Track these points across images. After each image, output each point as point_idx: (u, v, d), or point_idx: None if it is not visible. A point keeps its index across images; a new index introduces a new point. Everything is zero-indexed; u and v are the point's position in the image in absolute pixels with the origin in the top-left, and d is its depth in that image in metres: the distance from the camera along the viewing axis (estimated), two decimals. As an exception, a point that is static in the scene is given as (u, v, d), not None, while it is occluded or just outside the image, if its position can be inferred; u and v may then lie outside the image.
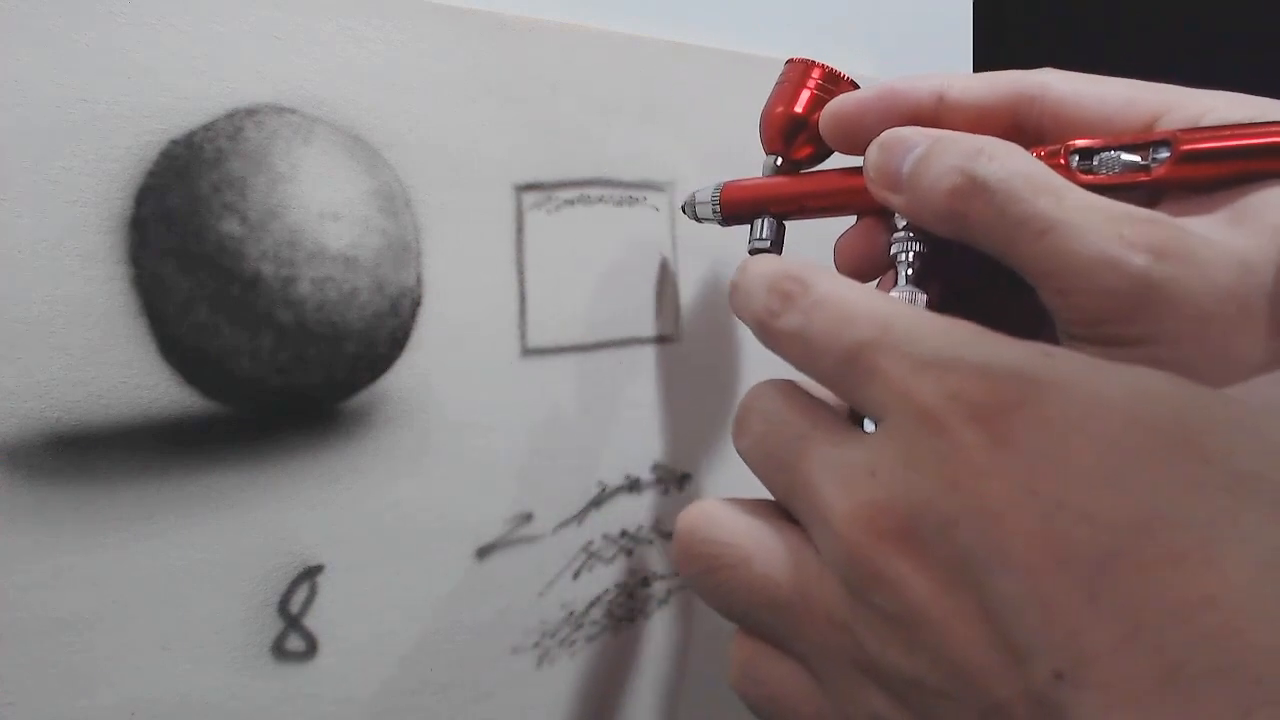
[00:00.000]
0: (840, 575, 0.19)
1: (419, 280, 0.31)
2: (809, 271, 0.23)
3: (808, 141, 0.30)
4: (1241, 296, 0.22)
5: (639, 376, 0.37)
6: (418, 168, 0.31)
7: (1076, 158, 0.25)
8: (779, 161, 0.31)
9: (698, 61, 0.35)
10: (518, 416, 0.34)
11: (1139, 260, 0.21)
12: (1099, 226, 0.22)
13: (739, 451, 0.24)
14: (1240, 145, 0.23)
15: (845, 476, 0.20)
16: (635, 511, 0.38)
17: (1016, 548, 0.16)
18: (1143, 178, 0.24)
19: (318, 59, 0.29)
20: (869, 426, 0.21)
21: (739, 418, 0.24)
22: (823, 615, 0.20)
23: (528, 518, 0.34)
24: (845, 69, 0.30)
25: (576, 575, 0.36)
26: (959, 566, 0.17)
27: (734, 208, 0.32)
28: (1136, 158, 0.24)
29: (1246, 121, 0.23)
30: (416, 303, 0.31)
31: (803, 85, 0.30)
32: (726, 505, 0.23)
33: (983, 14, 0.53)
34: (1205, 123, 0.24)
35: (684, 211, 0.34)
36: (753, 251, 0.30)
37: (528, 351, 0.34)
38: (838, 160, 0.30)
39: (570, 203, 0.35)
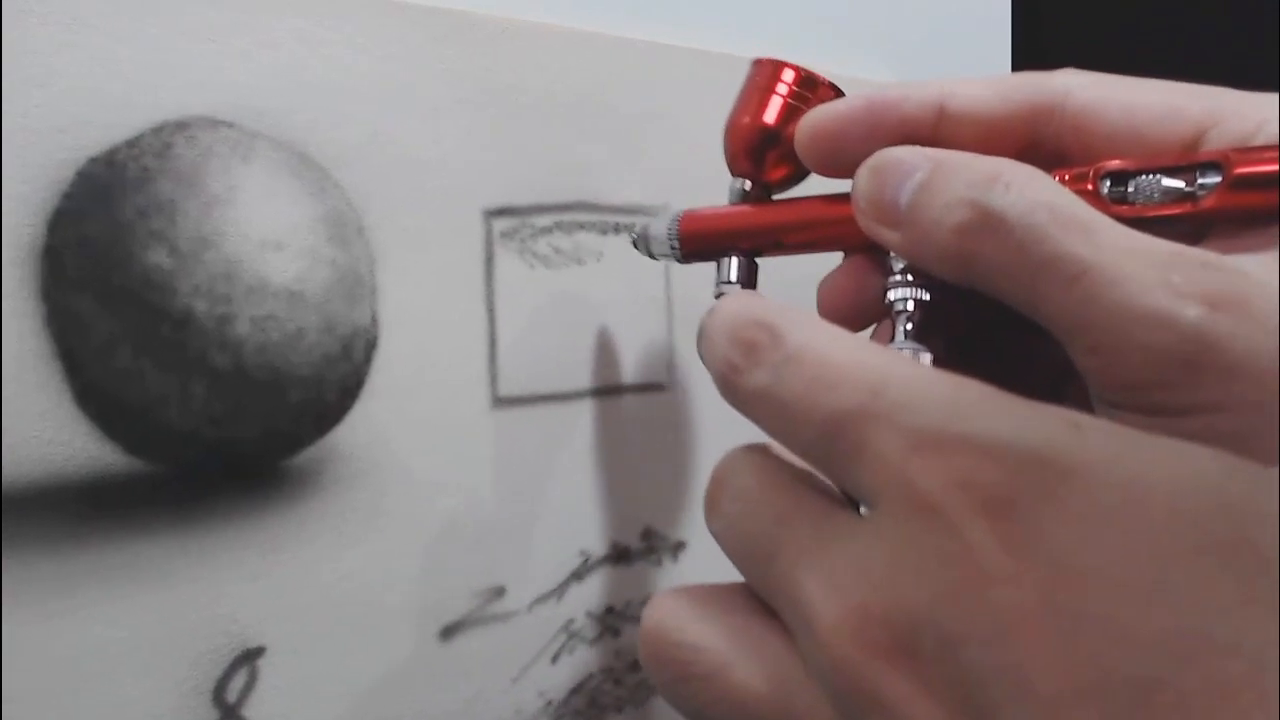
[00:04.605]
0: (828, 690, 0.18)
1: (374, 319, 0.30)
2: (782, 316, 0.20)
3: (781, 160, 0.27)
4: None
5: (626, 430, 0.37)
6: (373, 189, 0.30)
7: (1108, 183, 0.23)
8: (747, 185, 0.28)
9: (696, 67, 0.34)
10: (487, 476, 0.33)
11: (1191, 313, 0.19)
12: (1142, 272, 0.19)
13: (712, 534, 0.22)
14: None
15: (831, 575, 0.18)
16: (623, 585, 0.37)
17: (1034, 673, 0.15)
18: (1188, 208, 0.22)
19: (261, 65, 0.28)
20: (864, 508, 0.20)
21: (710, 494, 0.22)
22: None
23: (499, 592, 0.34)
24: (864, 75, 0.28)
25: (555, 659, 0.35)
26: (966, 691, 0.16)
27: (695, 243, 0.28)
28: (1180, 183, 0.22)
29: None
30: (371, 344, 0.30)
31: (772, 91, 0.27)
32: (698, 600, 0.21)
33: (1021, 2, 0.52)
34: (1262, 138, 0.22)
35: (635, 247, 0.31)
36: (719, 296, 0.27)
37: (499, 401, 0.33)
38: (819, 183, 0.27)
39: (548, 230, 0.34)
